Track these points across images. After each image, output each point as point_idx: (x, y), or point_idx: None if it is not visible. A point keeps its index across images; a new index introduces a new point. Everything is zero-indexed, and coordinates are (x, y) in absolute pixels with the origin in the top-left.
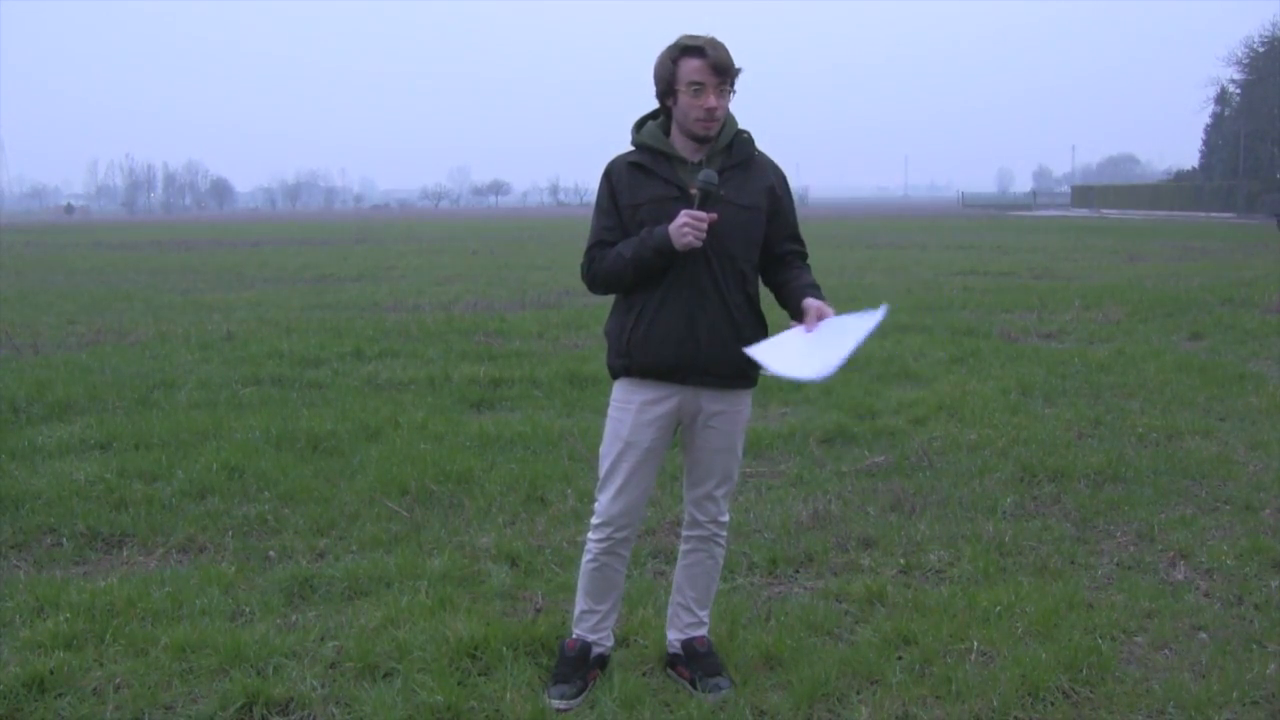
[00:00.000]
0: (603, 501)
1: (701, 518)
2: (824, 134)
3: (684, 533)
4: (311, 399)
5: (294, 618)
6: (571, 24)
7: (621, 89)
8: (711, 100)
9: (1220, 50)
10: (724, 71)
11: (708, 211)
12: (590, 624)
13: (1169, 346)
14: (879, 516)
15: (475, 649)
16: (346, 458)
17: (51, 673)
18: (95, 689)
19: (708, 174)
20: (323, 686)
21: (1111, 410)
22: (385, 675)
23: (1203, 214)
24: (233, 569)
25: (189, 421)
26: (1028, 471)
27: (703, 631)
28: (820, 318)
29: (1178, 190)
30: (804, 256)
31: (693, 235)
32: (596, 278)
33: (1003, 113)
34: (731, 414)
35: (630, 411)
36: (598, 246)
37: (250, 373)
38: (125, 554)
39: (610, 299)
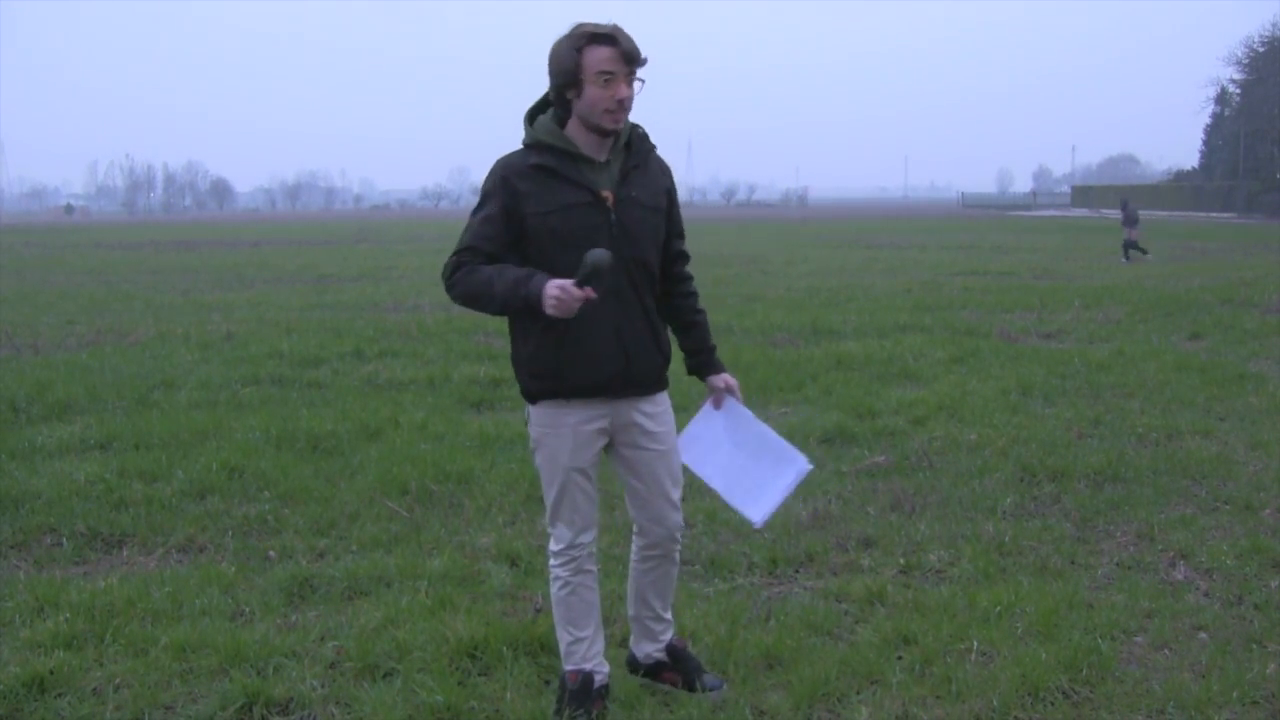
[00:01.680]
0: (560, 530)
1: (660, 532)
2: (824, 134)
3: (640, 552)
4: (311, 399)
5: (294, 618)
6: (571, 24)
7: None
8: (623, 90)
9: (1220, 50)
10: (634, 60)
11: (586, 289)
12: (582, 652)
13: (1169, 346)
14: (879, 516)
15: (475, 649)
16: (346, 458)
17: (51, 673)
18: (95, 689)
19: (601, 254)
20: (323, 686)
21: (1111, 410)
22: (385, 675)
23: (1203, 214)
24: (233, 569)
25: (189, 421)
26: (1028, 471)
27: (672, 632)
28: (729, 393)
29: (1177, 190)
30: (688, 258)
31: (561, 311)
32: (455, 288)
33: (1003, 113)
34: (662, 414)
35: (566, 436)
36: (469, 252)
37: (250, 373)
38: (125, 554)
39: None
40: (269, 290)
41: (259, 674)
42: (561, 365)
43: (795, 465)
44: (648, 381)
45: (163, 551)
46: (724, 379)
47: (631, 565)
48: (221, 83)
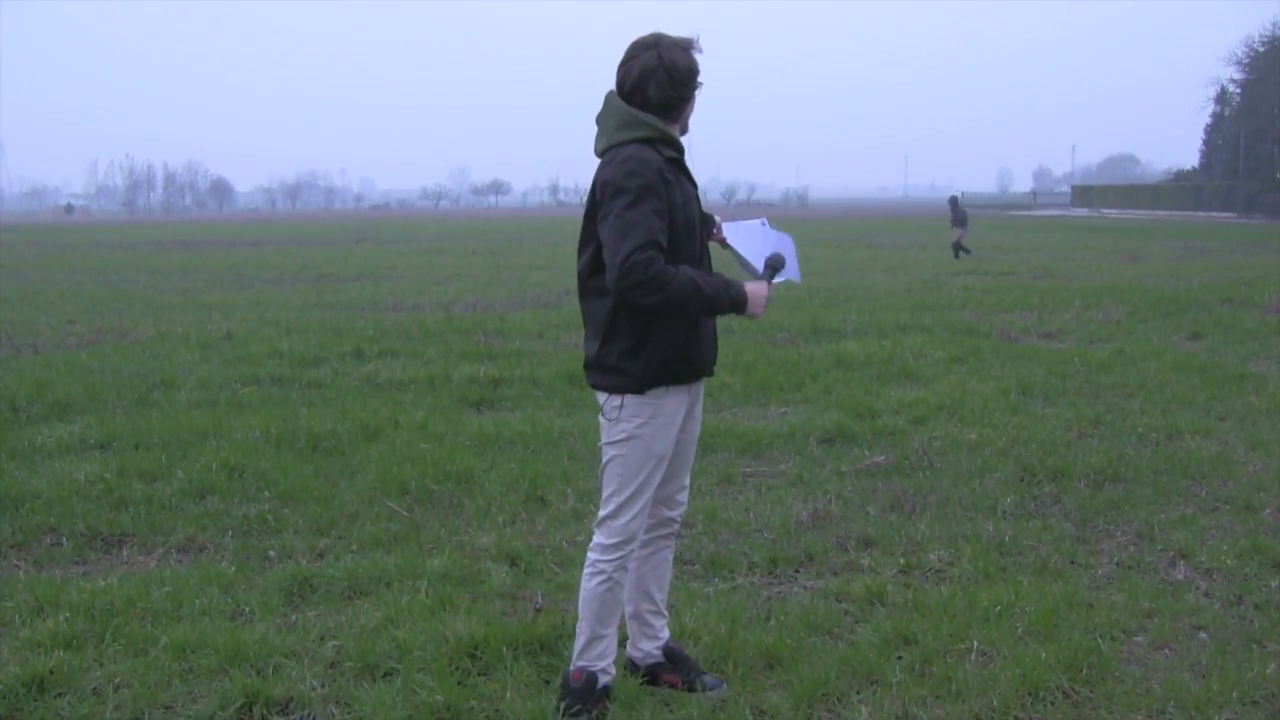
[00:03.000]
0: (622, 521)
1: (672, 514)
2: (824, 134)
3: (647, 535)
4: (311, 399)
5: (294, 617)
6: (571, 24)
7: None
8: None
9: (1220, 50)
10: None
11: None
12: (598, 650)
13: (1169, 346)
14: (879, 516)
15: (475, 649)
16: (346, 457)
17: (51, 672)
18: (95, 689)
19: (779, 255)
20: (322, 686)
21: (1111, 410)
22: (385, 675)
23: (1203, 214)
24: (232, 569)
25: (189, 421)
26: (1028, 471)
27: (668, 631)
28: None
29: (1178, 190)
30: None
31: (762, 313)
32: (663, 287)
33: (1003, 113)
34: (701, 399)
35: (670, 424)
36: (654, 247)
37: (250, 372)
38: (125, 554)
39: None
40: (269, 290)
41: (259, 674)
42: (692, 349)
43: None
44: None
45: (163, 551)
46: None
47: (638, 554)
48: (221, 82)
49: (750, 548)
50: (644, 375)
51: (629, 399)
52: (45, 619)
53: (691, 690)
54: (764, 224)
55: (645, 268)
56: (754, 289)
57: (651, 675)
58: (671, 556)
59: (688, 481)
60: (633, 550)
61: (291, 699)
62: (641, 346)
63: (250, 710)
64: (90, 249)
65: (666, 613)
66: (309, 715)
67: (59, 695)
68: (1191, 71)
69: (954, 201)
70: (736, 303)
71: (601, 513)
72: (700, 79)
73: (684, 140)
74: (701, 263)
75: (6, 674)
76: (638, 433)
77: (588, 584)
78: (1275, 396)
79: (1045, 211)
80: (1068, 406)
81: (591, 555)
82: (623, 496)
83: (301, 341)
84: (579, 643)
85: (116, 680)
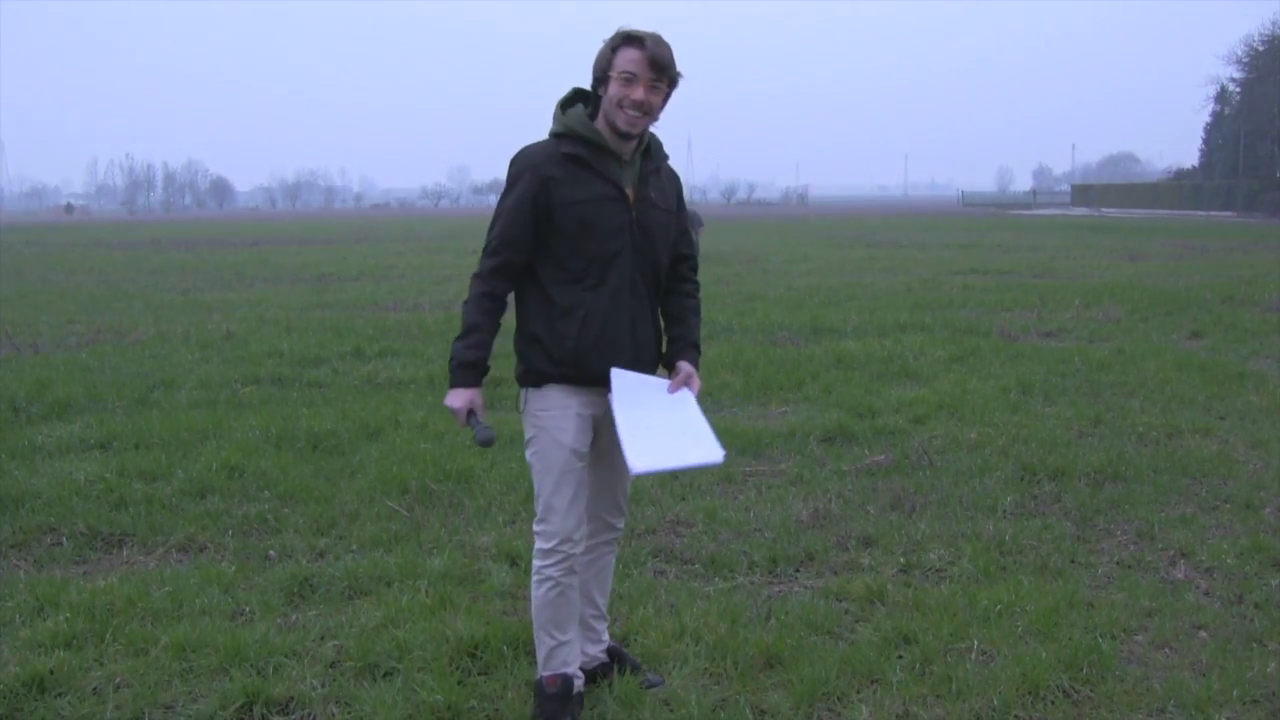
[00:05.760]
0: (554, 521)
1: (614, 521)
2: (824, 133)
3: (591, 541)
4: (311, 398)
5: (294, 617)
6: (571, 24)
7: None
8: (640, 93)
9: (1220, 49)
10: (661, 68)
11: (469, 423)
12: (563, 657)
13: (1169, 345)
14: (879, 515)
15: (475, 648)
16: (346, 457)
17: (51, 672)
18: (95, 688)
19: (488, 436)
20: (323, 686)
21: (1111, 409)
22: (385, 674)
23: (1203, 213)
24: (233, 568)
25: (189, 421)
26: (1028, 470)
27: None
28: (686, 384)
29: (1178, 189)
30: (695, 261)
31: (449, 409)
32: (466, 304)
33: (1002, 111)
34: None
35: (570, 418)
36: (502, 257)
37: (250, 372)
38: (125, 553)
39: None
40: (269, 289)
41: (259, 673)
42: (581, 352)
43: (708, 450)
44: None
45: (163, 551)
46: (688, 368)
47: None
48: (221, 82)
49: (750, 547)
50: (532, 372)
51: (530, 393)
52: (45, 619)
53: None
54: (664, 382)
55: (476, 280)
56: (459, 395)
57: (595, 677)
58: (613, 561)
59: (628, 489)
60: (575, 552)
61: (292, 699)
62: (533, 340)
63: (250, 710)
64: (90, 248)
65: (607, 614)
66: (309, 715)
67: (59, 695)
68: (1191, 70)
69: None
70: (450, 373)
71: (535, 519)
72: (628, 70)
73: (660, 137)
74: (612, 265)
75: (6, 674)
76: (542, 426)
77: (536, 591)
78: (1275, 395)
79: (1045, 210)
80: (1068, 405)
81: (535, 563)
82: (544, 495)
83: (301, 341)
84: (540, 653)
85: (116, 680)
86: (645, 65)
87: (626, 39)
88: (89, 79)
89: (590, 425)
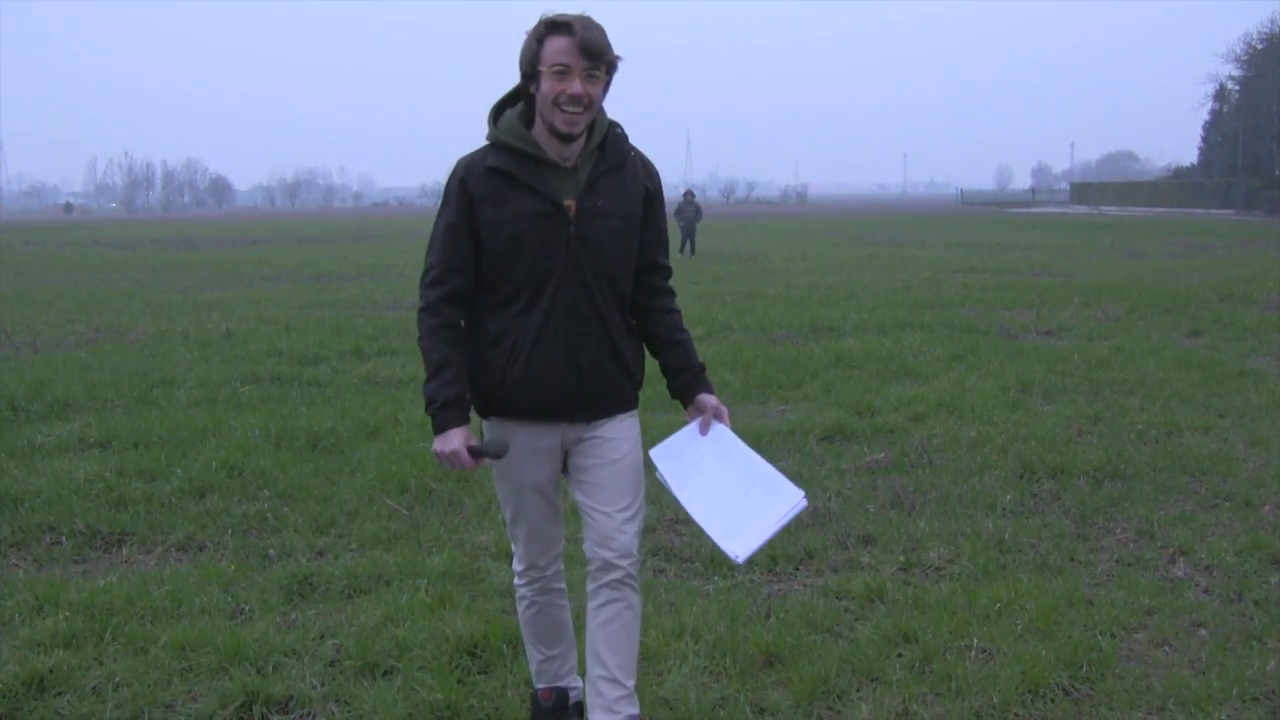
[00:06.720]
0: (518, 549)
1: (608, 555)
2: (823, 131)
3: (591, 583)
4: (311, 397)
5: (294, 616)
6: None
7: (622, 88)
8: (577, 86)
9: (1219, 47)
10: (595, 55)
11: (480, 460)
12: (554, 670)
13: (1168, 343)
14: (879, 514)
15: (475, 647)
16: (346, 456)
17: (51, 671)
18: (95, 688)
19: (501, 445)
20: (322, 685)
21: (1111, 407)
22: (385, 673)
23: (1202, 211)
24: (232, 567)
25: (188, 420)
26: (1027, 468)
27: (635, 710)
28: (716, 418)
29: (1177, 187)
30: (668, 271)
31: (442, 460)
32: (419, 335)
33: (1002, 110)
34: (625, 427)
35: (522, 453)
36: (442, 281)
37: (249, 371)
38: (125, 552)
39: None
40: (268, 288)
41: (259, 672)
42: (509, 387)
43: (789, 498)
44: (607, 406)
45: (162, 550)
46: (712, 401)
47: (589, 603)
48: (220, 81)
49: None
50: (477, 403)
51: (485, 423)
52: (45, 618)
53: None
54: (694, 427)
55: (421, 307)
56: (452, 438)
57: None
58: (634, 619)
59: (625, 517)
60: (547, 573)
61: (291, 697)
62: (478, 368)
63: (250, 709)
64: (89, 247)
65: (626, 684)
66: (309, 714)
67: (59, 694)
68: (1190, 69)
69: (680, 208)
70: (431, 420)
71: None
72: (560, 61)
73: (625, 133)
74: (546, 288)
75: (6, 673)
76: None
77: (517, 608)
78: (1274, 393)
79: (1044, 209)
80: (1067, 404)
81: (514, 581)
82: (506, 517)
83: (301, 340)
84: (531, 667)
85: (116, 679)
86: (577, 54)
87: (551, 26)
88: (89, 78)
89: (548, 457)
